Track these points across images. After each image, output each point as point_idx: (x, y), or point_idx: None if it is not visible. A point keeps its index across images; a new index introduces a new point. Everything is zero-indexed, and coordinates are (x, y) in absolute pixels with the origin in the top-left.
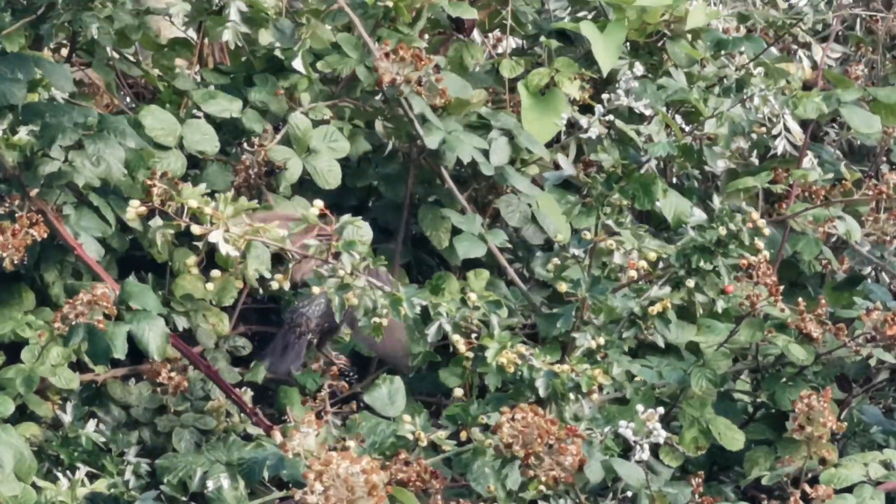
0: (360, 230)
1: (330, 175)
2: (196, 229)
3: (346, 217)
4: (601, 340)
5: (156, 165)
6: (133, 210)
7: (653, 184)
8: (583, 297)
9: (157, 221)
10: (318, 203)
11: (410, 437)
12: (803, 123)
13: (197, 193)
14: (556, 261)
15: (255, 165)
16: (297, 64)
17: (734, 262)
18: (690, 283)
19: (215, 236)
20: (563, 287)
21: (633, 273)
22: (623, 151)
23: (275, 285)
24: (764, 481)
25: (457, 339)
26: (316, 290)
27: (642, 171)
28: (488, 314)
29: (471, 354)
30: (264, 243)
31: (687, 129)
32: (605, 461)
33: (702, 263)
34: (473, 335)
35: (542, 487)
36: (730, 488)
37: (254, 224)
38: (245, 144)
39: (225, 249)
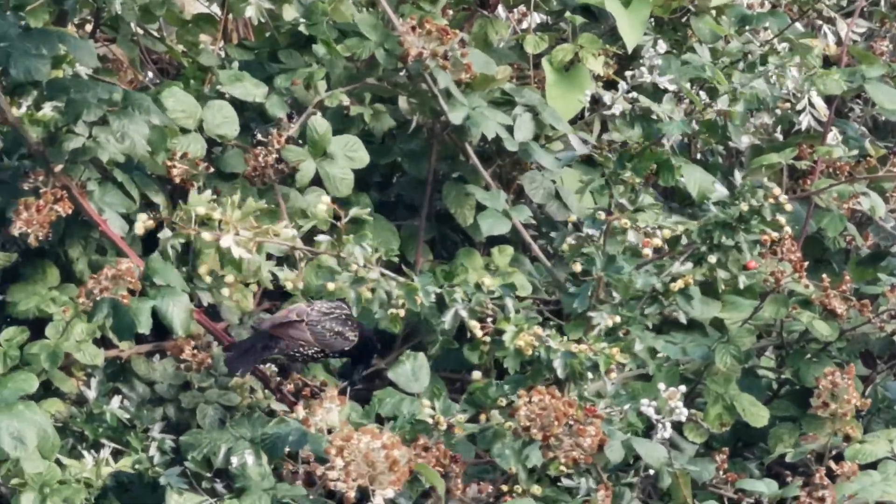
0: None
1: (342, 183)
2: (206, 236)
3: (356, 210)
4: (617, 319)
5: (175, 147)
6: (141, 224)
7: (665, 161)
8: (598, 275)
9: (166, 233)
10: (326, 199)
11: (430, 420)
12: (828, 99)
13: (204, 200)
14: (570, 240)
15: (267, 157)
16: (318, 49)
17: (756, 238)
18: (712, 258)
19: (226, 241)
20: (577, 267)
21: (647, 251)
22: (648, 128)
23: (288, 286)
24: (788, 458)
25: (473, 324)
26: (331, 286)
27: (665, 148)
28: (503, 298)
29: (488, 339)
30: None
31: (713, 105)
32: (625, 441)
33: (724, 239)
34: (489, 319)
35: (562, 467)
36: (754, 465)
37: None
38: (259, 135)
39: (237, 253)
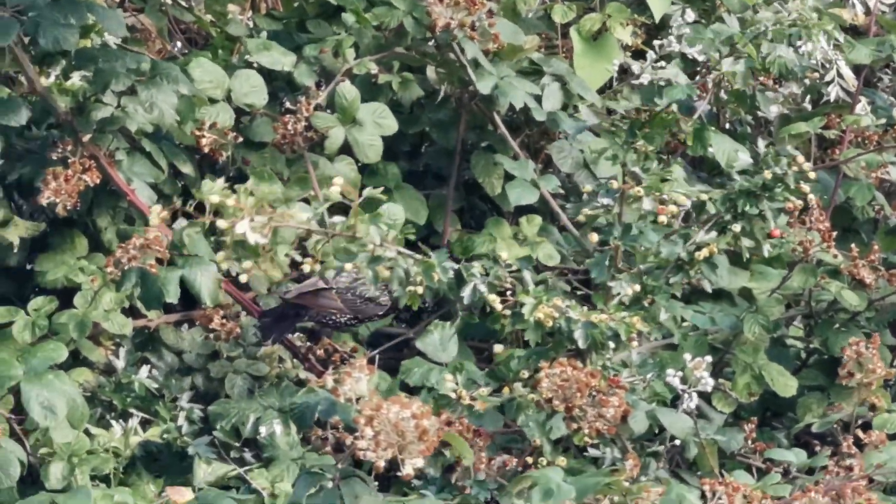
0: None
1: (371, 150)
2: (221, 223)
3: (369, 190)
4: (637, 287)
5: (204, 117)
6: (156, 216)
7: (673, 127)
8: (615, 244)
9: (181, 222)
10: (339, 181)
11: (452, 395)
12: (856, 69)
13: (217, 189)
14: (587, 210)
15: (296, 124)
16: (346, 17)
17: (780, 206)
18: (736, 227)
19: (241, 227)
20: (594, 237)
21: (662, 218)
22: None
23: (306, 268)
24: (814, 428)
25: (493, 298)
26: (349, 266)
27: (674, 114)
28: (521, 270)
29: (508, 312)
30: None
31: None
32: (649, 411)
33: (747, 207)
34: (509, 292)
35: (587, 438)
36: (782, 434)
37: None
38: (288, 103)
39: (253, 239)
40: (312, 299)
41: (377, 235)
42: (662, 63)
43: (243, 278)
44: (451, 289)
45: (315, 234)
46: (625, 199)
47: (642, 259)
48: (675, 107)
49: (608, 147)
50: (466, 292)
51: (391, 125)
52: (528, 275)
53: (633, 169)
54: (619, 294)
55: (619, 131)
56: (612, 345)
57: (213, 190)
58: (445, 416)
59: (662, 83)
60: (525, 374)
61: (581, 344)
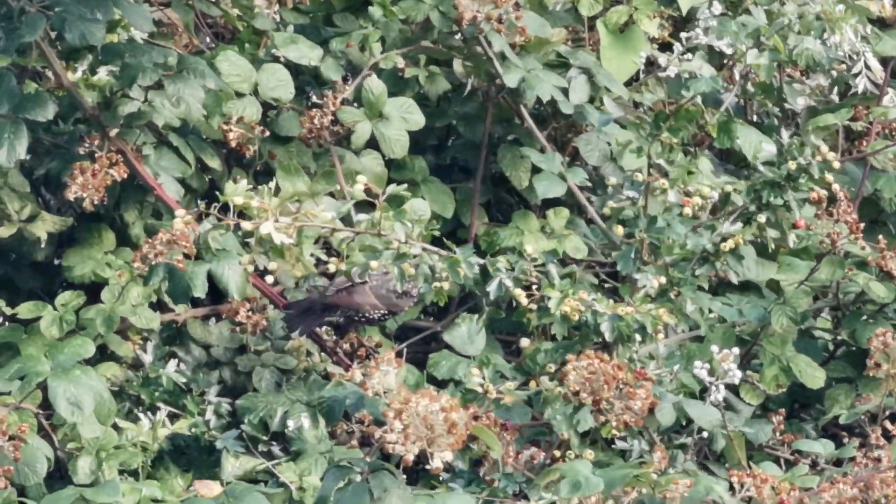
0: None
1: (397, 145)
2: (246, 225)
3: (393, 187)
4: (663, 279)
5: (231, 111)
6: (180, 221)
7: (699, 119)
8: (641, 237)
9: (206, 225)
10: (362, 178)
11: (479, 389)
12: (884, 61)
13: (241, 190)
14: (612, 203)
15: (323, 118)
16: (373, 11)
17: (804, 197)
18: (761, 218)
19: (266, 228)
20: (619, 230)
21: (687, 210)
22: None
23: (331, 268)
24: (842, 419)
25: (518, 292)
26: (374, 264)
27: (699, 106)
28: (546, 264)
29: (534, 306)
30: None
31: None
32: (677, 403)
33: (772, 198)
34: (535, 286)
35: (614, 430)
36: (810, 426)
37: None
38: (314, 97)
39: (278, 239)
40: (347, 298)
41: (402, 232)
42: (688, 55)
43: (269, 279)
44: (477, 283)
45: (340, 232)
46: (650, 191)
47: (668, 251)
48: (699, 99)
49: (633, 139)
50: (492, 287)
51: (418, 120)
52: (553, 269)
53: (658, 161)
54: (644, 286)
55: (644, 123)
56: (638, 337)
57: (236, 192)
58: (472, 410)
59: (688, 76)
60: (552, 367)
61: (608, 337)
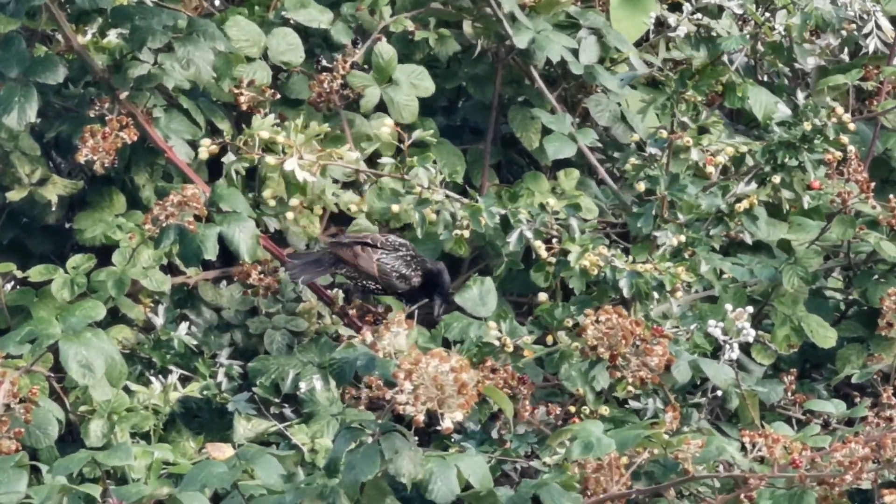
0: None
1: (406, 110)
2: (270, 160)
3: (419, 132)
4: (682, 238)
5: (241, 75)
6: (205, 149)
7: (731, 82)
8: (662, 195)
9: (230, 157)
10: (389, 122)
11: (497, 343)
12: (894, 20)
13: (267, 124)
14: (633, 160)
15: (332, 83)
16: None
17: (819, 157)
18: (776, 179)
19: (290, 164)
20: (640, 187)
21: (710, 169)
22: (711, 47)
23: (352, 209)
24: (854, 379)
25: (538, 244)
26: (395, 207)
27: (725, 65)
28: (568, 218)
29: (553, 259)
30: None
31: (772, 23)
32: (692, 361)
33: (787, 159)
34: (554, 240)
35: (630, 388)
36: (822, 386)
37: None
38: (324, 61)
39: (301, 176)
40: (353, 258)
41: (425, 178)
42: (699, 15)
43: (289, 215)
44: (497, 234)
45: (363, 174)
46: (672, 149)
47: (688, 209)
48: (725, 58)
49: (656, 97)
50: (513, 238)
51: (428, 86)
52: (574, 222)
53: (683, 119)
54: (664, 244)
55: (670, 81)
56: (655, 295)
57: (263, 126)
58: (490, 364)
59: (715, 34)
60: (569, 322)
61: (626, 293)
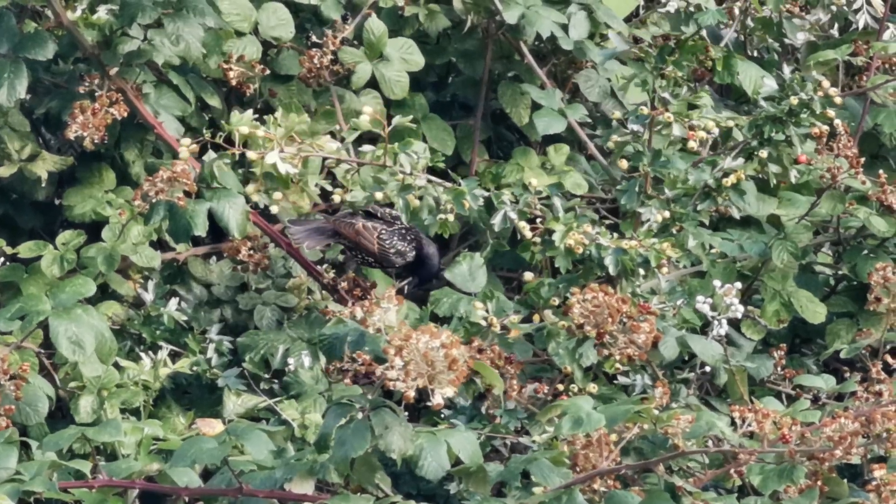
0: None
1: (397, 86)
2: (251, 154)
3: (399, 118)
4: (667, 214)
5: (231, 50)
6: (185, 148)
7: (702, 53)
8: (645, 171)
9: (211, 154)
10: (368, 110)
11: (483, 322)
12: None
13: (247, 120)
14: (615, 137)
15: (323, 58)
16: None
17: (806, 132)
18: (763, 153)
19: (271, 158)
20: (623, 164)
21: (692, 143)
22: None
23: (336, 198)
24: (843, 354)
25: (522, 225)
26: (379, 195)
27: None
28: (551, 197)
29: (538, 239)
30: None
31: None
32: (680, 337)
33: (774, 133)
34: (539, 220)
35: (617, 365)
36: (811, 361)
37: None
38: (314, 37)
39: (283, 168)
40: (354, 233)
41: (407, 164)
42: None
43: (274, 209)
44: (482, 216)
45: (345, 163)
46: (654, 125)
47: (672, 185)
48: (704, 33)
49: (637, 73)
50: (497, 219)
51: (418, 61)
52: (557, 202)
53: (663, 95)
54: (648, 220)
55: (649, 57)
56: (641, 271)
57: (242, 121)
58: (477, 344)
59: (692, 9)
60: (555, 301)
61: (611, 270)
